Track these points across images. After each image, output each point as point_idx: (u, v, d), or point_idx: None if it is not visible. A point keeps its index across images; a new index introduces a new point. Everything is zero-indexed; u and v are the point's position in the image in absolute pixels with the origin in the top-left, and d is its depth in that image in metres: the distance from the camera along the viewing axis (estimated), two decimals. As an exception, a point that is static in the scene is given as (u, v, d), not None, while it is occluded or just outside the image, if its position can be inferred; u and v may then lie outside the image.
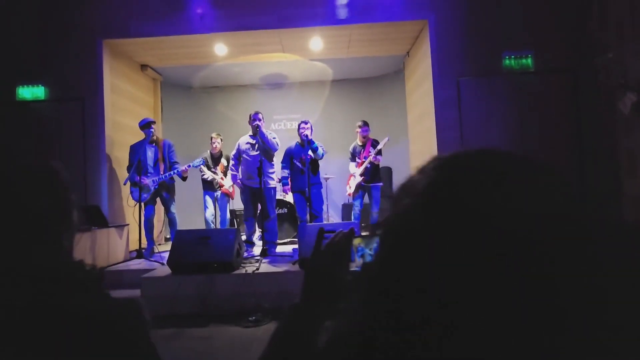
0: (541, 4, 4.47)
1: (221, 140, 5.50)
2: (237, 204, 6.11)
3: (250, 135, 4.53)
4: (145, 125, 4.72)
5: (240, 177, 4.61)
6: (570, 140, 4.38)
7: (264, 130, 4.38)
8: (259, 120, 4.41)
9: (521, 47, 4.45)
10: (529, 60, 4.44)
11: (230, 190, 5.57)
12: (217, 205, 5.57)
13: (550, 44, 4.43)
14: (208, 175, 5.37)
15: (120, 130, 5.15)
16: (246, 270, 3.60)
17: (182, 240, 3.69)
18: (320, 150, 4.43)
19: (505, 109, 4.43)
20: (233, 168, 4.60)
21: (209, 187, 5.46)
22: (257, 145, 4.45)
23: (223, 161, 5.53)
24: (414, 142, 5.70)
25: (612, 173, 4.17)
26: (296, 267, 3.69)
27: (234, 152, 4.65)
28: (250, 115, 4.51)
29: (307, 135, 4.39)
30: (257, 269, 3.63)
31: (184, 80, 6.66)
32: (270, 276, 3.55)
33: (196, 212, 5.96)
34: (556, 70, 4.43)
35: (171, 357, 2.76)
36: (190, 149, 6.39)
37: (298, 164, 4.60)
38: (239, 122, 6.89)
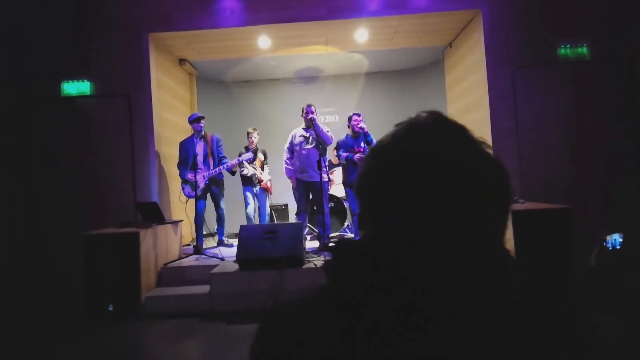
0: (595, -9, 4.42)
1: (257, 134, 5.44)
2: (274, 198, 6.07)
3: (303, 128, 4.47)
4: (195, 120, 4.66)
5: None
6: (627, 128, 4.36)
7: (318, 123, 4.33)
8: (312, 113, 4.35)
9: (576, 36, 4.41)
10: (585, 49, 4.40)
11: (269, 184, 5.52)
12: (256, 200, 5.51)
13: (606, 32, 4.40)
14: (248, 170, 5.31)
15: (165, 126, 5.08)
16: (315, 265, 3.57)
17: (249, 235, 3.65)
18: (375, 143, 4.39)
19: (561, 98, 4.40)
20: (288, 162, 4.54)
21: (248, 182, 5.40)
22: (310, 139, 4.39)
23: (260, 156, 5.46)
24: (456, 134, 5.66)
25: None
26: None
27: (286, 145, 4.59)
28: (303, 109, 4.45)
29: (363, 128, 4.34)
30: (326, 263, 3.59)
31: (217, 74, 6.57)
32: (341, 270, 3.52)
33: (234, 208, 5.89)
34: (612, 59, 4.40)
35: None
36: (225, 143, 6.32)
37: (349, 155, 4.51)
38: (273, 117, 6.82)
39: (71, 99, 4.62)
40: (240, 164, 5.10)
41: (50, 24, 4.59)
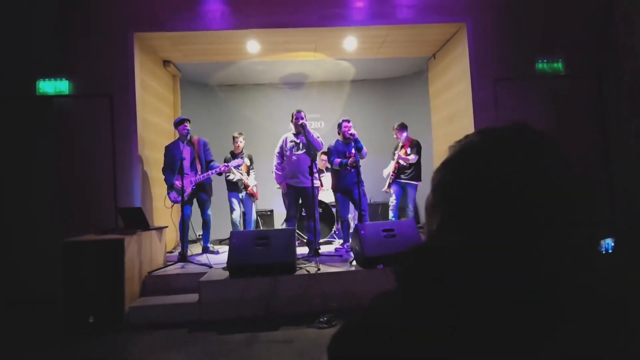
0: (569, 10, 4.72)
1: (243, 139, 5.37)
2: (260, 204, 5.98)
3: (293, 134, 4.45)
4: (180, 122, 4.53)
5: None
6: (598, 141, 4.65)
7: (309, 129, 4.33)
8: (303, 118, 4.35)
9: (552, 52, 4.67)
10: (560, 65, 4.67)
11: (255, 190, 5.44)
12: (241, 206, 5.42)
13: (579, 48, 4.69)
14: (235, 176, 5.22)
15: (148, 129, 4.91)
16: (308, 271, 3.54)
17: (240, 242, 3.57)
18: (365, 149, 4.44)
19: (540, 111, 4.63)
20: (278, 167, 4.50)
21: (234, 188, 5.30)
22: (301, 144, 4.38)
23: (246, 161, 5.39)
24: (440, 142, 5.83)
25: (637, 173, 4.46)
26: (355, 267, 3.67)
27: (277, 150, 4.55)
28: (292, 114, 4.43)
29: (353, 134, 4.38)
30: (319, 270, 3.57)
31: (202, 77, 6.44)
32: (334, 276, 3.51)
33: (218, 214, 5.75)
34: (584, 74, 4.69)
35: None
36: (209, 148, 6.17)
37: (343, 160, 4.52)
38: (258, 122, 6.76)
39: (48, 98, 4.38)
40: (229, 170, 5.00)
41: (29, 18, 4.34)
